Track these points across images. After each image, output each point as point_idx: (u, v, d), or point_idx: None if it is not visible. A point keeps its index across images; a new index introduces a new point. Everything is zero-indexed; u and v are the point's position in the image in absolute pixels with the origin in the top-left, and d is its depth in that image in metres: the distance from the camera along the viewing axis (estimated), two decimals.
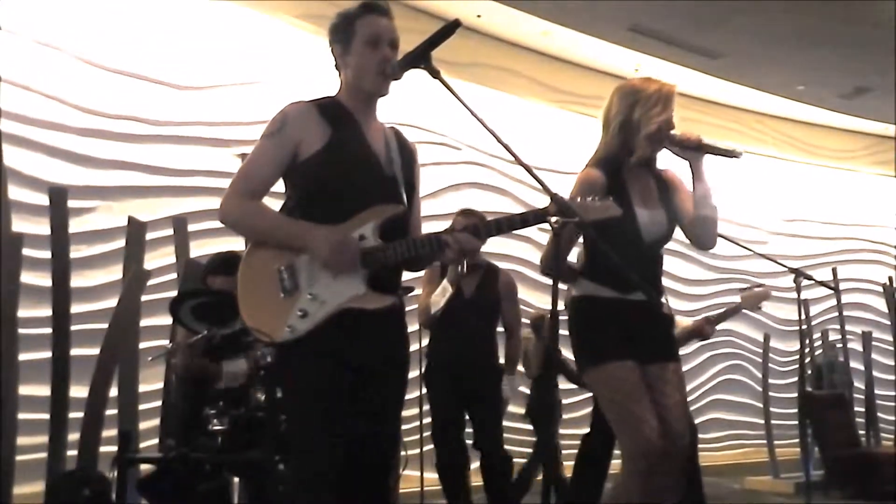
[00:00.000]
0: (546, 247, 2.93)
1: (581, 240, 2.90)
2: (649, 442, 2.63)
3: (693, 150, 2.79)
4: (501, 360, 4.47)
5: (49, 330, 4.27)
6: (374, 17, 2.25)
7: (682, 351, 4.08)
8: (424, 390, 4.45)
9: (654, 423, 2.65)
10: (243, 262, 2.22)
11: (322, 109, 2.24)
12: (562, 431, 5.89)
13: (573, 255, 3.07)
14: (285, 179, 2.26)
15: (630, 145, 2.83)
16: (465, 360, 4.22)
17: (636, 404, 2.67)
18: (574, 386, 5.78)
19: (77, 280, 4.62)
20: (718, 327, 4.35)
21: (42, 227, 4.49)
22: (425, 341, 4.43)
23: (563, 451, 5.59)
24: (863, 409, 8.14)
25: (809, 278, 3.94)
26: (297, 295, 2.15)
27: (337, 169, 2.18)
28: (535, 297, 7.01)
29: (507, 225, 2.19)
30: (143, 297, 4.65)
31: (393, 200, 2.23)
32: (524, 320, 4.99)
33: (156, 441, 4.64)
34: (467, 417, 4.34)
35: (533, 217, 2.19)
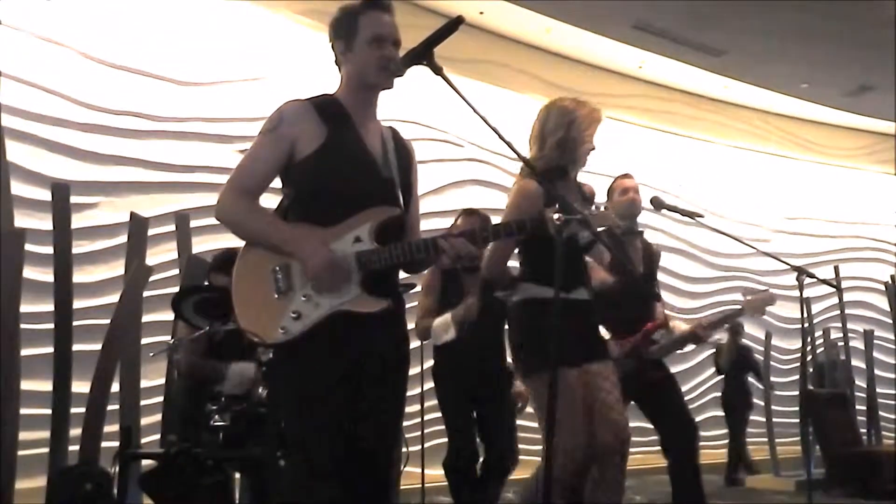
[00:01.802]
0: (490, 253, 2.98)
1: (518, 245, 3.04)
2: (584, 441, 2.86)
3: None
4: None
5: (51, 325, 4.27)
6: (377, 13, 2.22)
7: (680, 351, 4.08)
8: (427, 387, 4.43)
9: (585, 426, 2.88)
10: (238, 261, 2.19)
11: (319, 108, 2.20)
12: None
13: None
14: (282, 178, 2.23)
15: (563, 159, 2.99)
16: (476, 362, 4.18)
17: (580, 407, 2.87)
18: None
19: (79, 275, 4.63)
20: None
21: (44, 223, 4.49)
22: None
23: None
24: (864, 408, 8.13)
25: (812, 276, 3.91)
26: (291, 295, 2.12)
27: (333, 170, 2.15)
28: None
29: (505, 231, 2.18)
30: (145, 293, 4.65)
31: (390, 202, 2.19)
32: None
33: (157, 437, 4.64)
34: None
35: (530, 222, 2.17)
